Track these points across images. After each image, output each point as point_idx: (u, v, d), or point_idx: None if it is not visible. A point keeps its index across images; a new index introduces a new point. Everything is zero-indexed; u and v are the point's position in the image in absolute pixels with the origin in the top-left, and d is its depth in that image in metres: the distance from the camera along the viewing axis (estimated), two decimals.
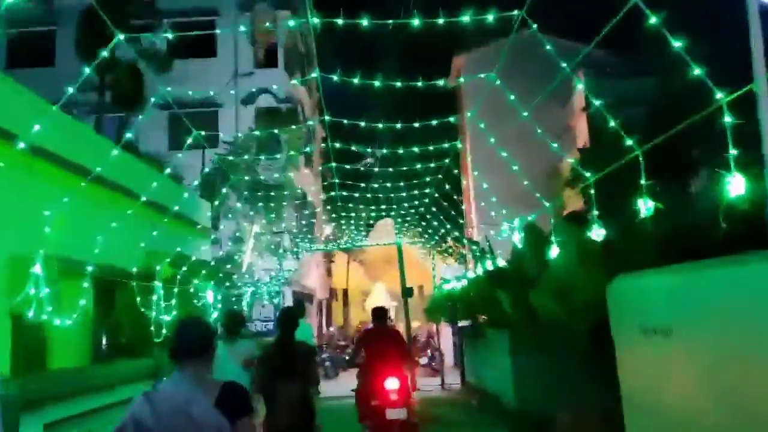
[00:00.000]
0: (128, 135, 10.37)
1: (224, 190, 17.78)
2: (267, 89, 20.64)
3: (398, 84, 8.40)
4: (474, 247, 10.11)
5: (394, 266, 35.46)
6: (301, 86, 23.21)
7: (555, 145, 7.76)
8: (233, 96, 20.78)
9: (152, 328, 8.43)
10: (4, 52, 21.08)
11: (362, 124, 10.33)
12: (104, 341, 8.69)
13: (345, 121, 9.53)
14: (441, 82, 8.87)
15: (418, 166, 13.65)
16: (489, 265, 9.60)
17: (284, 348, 5.03)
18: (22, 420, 4.48)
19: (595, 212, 5.24)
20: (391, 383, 6.98)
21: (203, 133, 11.32)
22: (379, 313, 7.66)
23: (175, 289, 7.21)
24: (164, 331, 7.10)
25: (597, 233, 5.03)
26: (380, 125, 11.05)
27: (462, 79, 22.14)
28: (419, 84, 8.40)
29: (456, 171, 13.49)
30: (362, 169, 16.66)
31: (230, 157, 16.87)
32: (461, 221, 19.39)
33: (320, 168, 26.47)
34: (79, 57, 18.45)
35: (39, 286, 6.57)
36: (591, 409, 5.66)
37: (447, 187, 13.74)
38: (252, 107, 20.83)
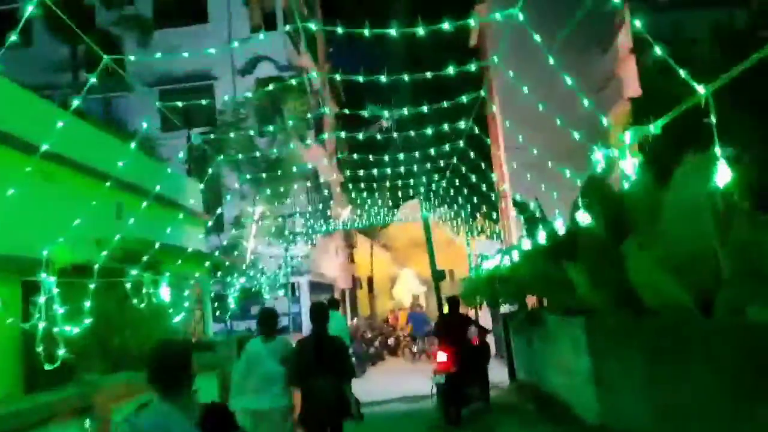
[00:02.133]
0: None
1: (222, 172, 15.66)
2: (266, 56, 18.33)
3: (414, 31, 6.09)
4: (527, 207, 7.75)
5: (422, 250, 33.21)
6: (305, 52, 20.86)
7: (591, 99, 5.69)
8: (229, 67, 18.53)
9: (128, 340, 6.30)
10: None
11: (380, 78, 7.98)
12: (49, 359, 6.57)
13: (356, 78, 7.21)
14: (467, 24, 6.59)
15: (444, 127, 11.31)
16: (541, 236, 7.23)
17: (317, 343, 5.19)
18: None
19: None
20: (440, 356, 8.67)
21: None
22: (451, 301, 9.36)
23: (92, 285, 5.00)
24: (62, 350, 4.87)
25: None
26: (385, 78, 8.44)
27: (473, 22, 19.53)
28: (436, 27, 6.06)
29: (483, 133, 11.26)
30: (377, 134, 14.34)
31: (218, 130, 14.67)
32: (492, 193, 17.10)
33: (334, 145, 24.25)
34: (49, 32, 16.43)
35: None
36: None
37: (473, 146, 11.55)
38: (251, 78, 18.55)
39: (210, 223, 11.65)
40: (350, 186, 20.28)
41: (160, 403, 2.55)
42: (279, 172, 15.32)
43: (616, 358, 5.79)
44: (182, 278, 7.58)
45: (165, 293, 5.80)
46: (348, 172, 14.78)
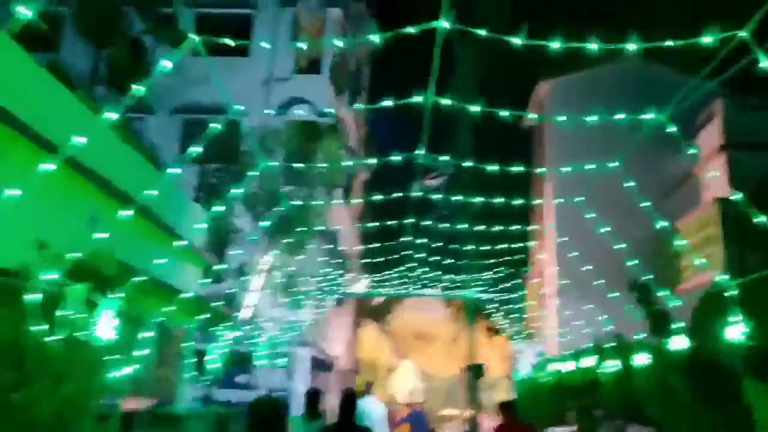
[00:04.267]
0: None
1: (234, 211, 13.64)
2: (304, 99, 16.78)
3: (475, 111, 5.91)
4: (650, 295, 5.51)
5: (427, 343, 30.49)
6: (347, 108, 19.37)
7: None
8: (261, 104, 16.92)
9: None
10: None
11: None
12: None
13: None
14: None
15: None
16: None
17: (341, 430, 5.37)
18: None
19: None
20: None
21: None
22: (507, 407, 7.39)
23: None
24: None
25: None
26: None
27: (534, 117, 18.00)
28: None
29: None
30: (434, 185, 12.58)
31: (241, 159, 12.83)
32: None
33: (360, 212, 22.30)
34: (80, 36, 15.05)
35: None
36: None
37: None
38: (284, 118, 16.89)
39: (211, 262, 9.49)
40: (371, 257, 18.04)
41: None
42: (297, 224, 13.35)
43: None
44: (149, 315, 5.30)
45: (105, 327, 3.50)
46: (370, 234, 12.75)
